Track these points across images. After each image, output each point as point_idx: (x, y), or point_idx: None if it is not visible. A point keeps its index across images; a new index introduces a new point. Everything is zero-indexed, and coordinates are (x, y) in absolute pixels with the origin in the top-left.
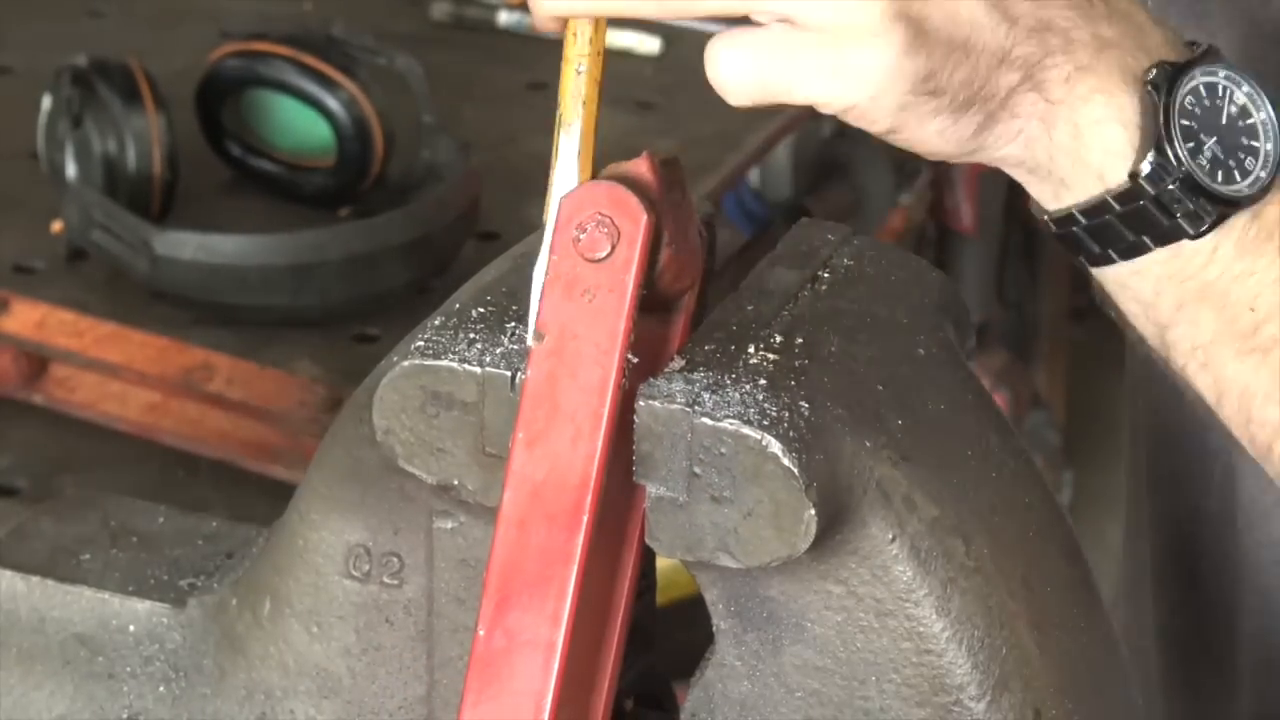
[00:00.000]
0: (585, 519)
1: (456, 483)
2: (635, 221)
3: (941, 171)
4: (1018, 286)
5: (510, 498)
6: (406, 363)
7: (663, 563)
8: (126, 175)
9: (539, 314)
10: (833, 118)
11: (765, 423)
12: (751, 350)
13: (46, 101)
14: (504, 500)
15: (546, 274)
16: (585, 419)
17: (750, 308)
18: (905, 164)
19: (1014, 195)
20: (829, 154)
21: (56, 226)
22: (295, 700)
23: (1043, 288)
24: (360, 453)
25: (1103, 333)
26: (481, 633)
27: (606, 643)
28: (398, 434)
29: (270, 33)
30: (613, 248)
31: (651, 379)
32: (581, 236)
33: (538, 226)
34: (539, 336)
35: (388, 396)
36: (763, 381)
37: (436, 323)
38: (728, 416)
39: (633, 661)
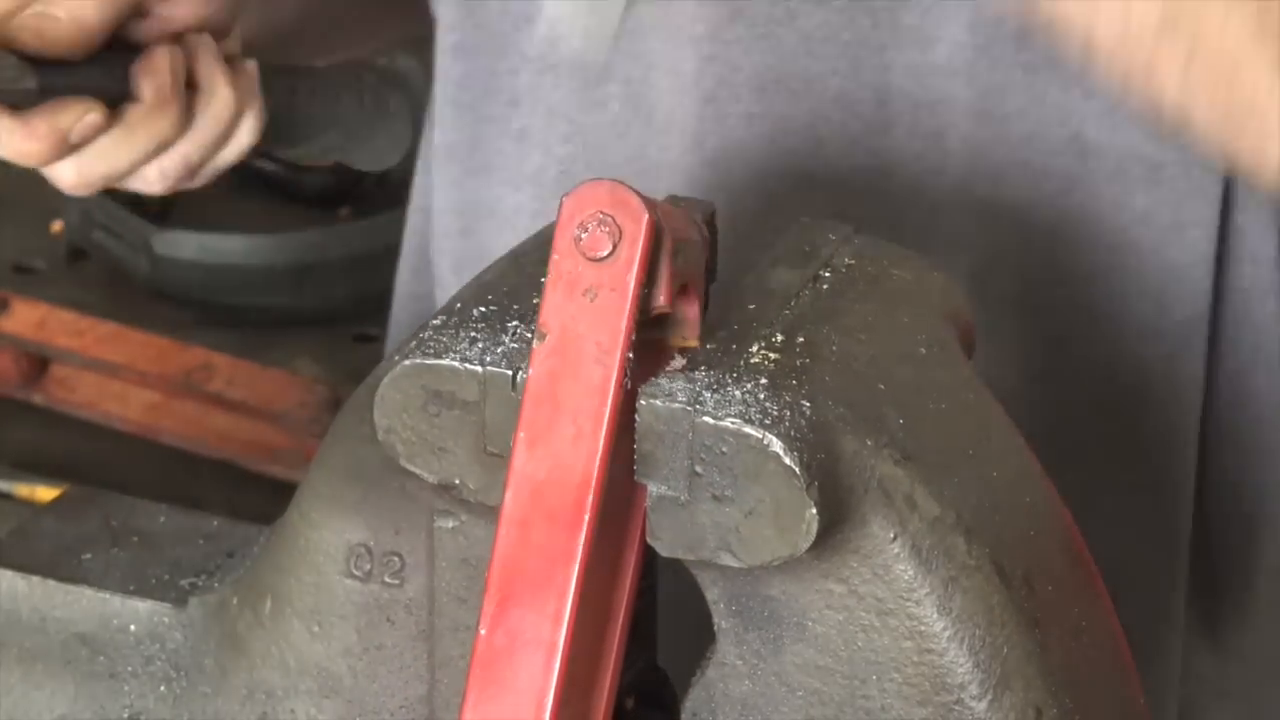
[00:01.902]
0: (587, 518)
1: (458, 482)
2: (637, 220)
3: None
4: None
5: (512, 497)
6: (408, 362)
7: None
8: None
9: (540, 313)
10: None
11: (767, 422)
12: (753, 349)
13: None
14: (505, 499)
15: (547, 273)
16: (587, 418)
17: (751, 307)
18: None
19: None
20: None
21: (56, 226)
22: (296, 700)
23: None
24: (361, 452)
25: None
26: (483, 632)
27: (608, 642)
28: (399, 433)
29: None
30: (614, 247)
31: (653, 378)
32: (583, 236)
33: None
34: (540, 336)
35: (389, 395)
36: (764, 380)
37: (437, 322)
38: (729, 415)
39: (633, 660)
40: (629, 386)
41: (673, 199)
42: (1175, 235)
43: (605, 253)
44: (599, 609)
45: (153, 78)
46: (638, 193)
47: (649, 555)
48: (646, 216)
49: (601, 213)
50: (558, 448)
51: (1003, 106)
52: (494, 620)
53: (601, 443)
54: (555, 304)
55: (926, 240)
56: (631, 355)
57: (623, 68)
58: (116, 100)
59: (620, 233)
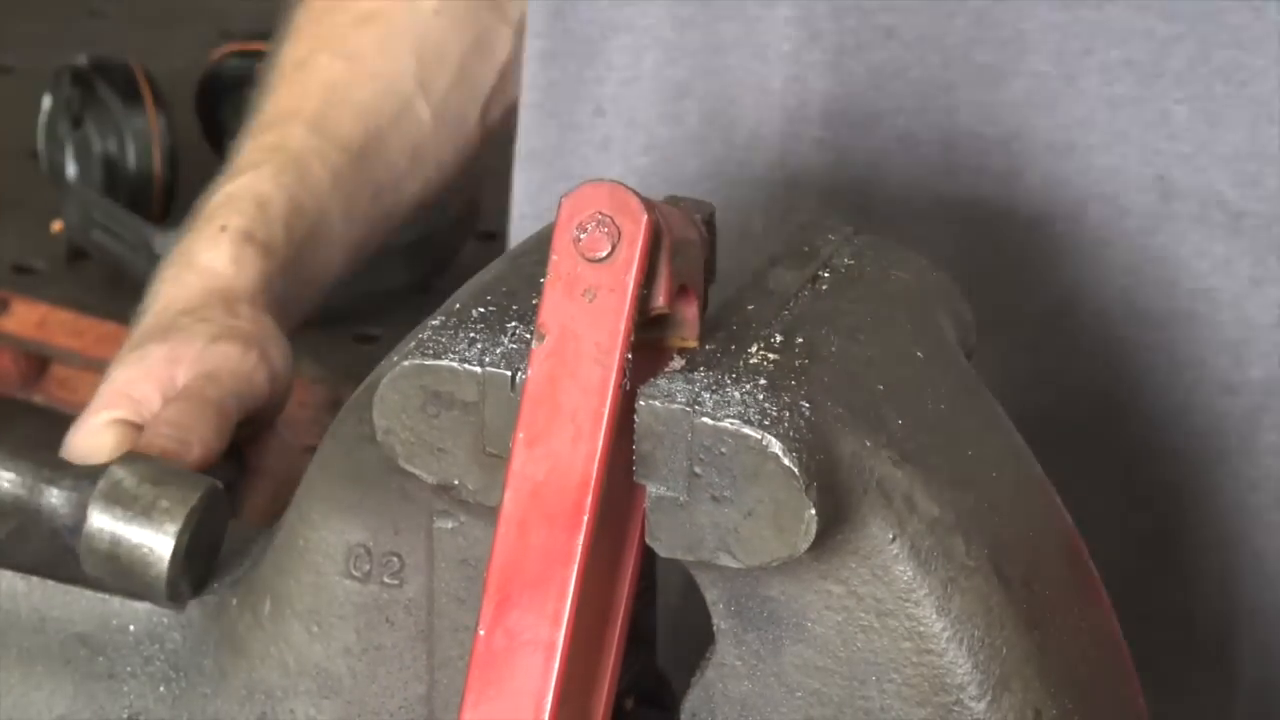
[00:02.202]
0: (586, 519)
1: (457, 483)
2: (636, 221)
3: None
4: None
5: (510, 497)
6: (407, 362)
7: None
8: (126, 175)
9: (539, 313)
10: None
11: (766, 422)
12: (752, 350)
13: (46, 101)
14: (504, 500)
15: (547, 273)
16: (586, 419)
17: (750, 307)
18: None
19: None
20: None
21: (56, 226)
22: (296, 700)
23: None
24: (360, 453)
25: None
26: (482, 633)
27: (607, 642)
28: (398, 434)
29: (270, 33)
30: (613, 247)
31: (652, 379)
32: (582, 236)
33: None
34: (539, 336)
35: (388, 396)
36: (763, 381)
37: (436, 322)
38: (728, 416)
39: (632, 661)
40: (628, 387)
41: (672, 199)
42: (1254, 290)
43: (604, 253)
44: (598, 609)
45: (269, 470)
46: (636, 193)
47: (648, 556)
48: (645, 217)
49: (600, 213)
50: (557, 448)
51: (1085, 139)
52: (493, 621)
53: (600, 443)
54: (554, 304)
55: (999, 275)
56: (630, 356)
57: (701, 83)
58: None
59: (619, 233)
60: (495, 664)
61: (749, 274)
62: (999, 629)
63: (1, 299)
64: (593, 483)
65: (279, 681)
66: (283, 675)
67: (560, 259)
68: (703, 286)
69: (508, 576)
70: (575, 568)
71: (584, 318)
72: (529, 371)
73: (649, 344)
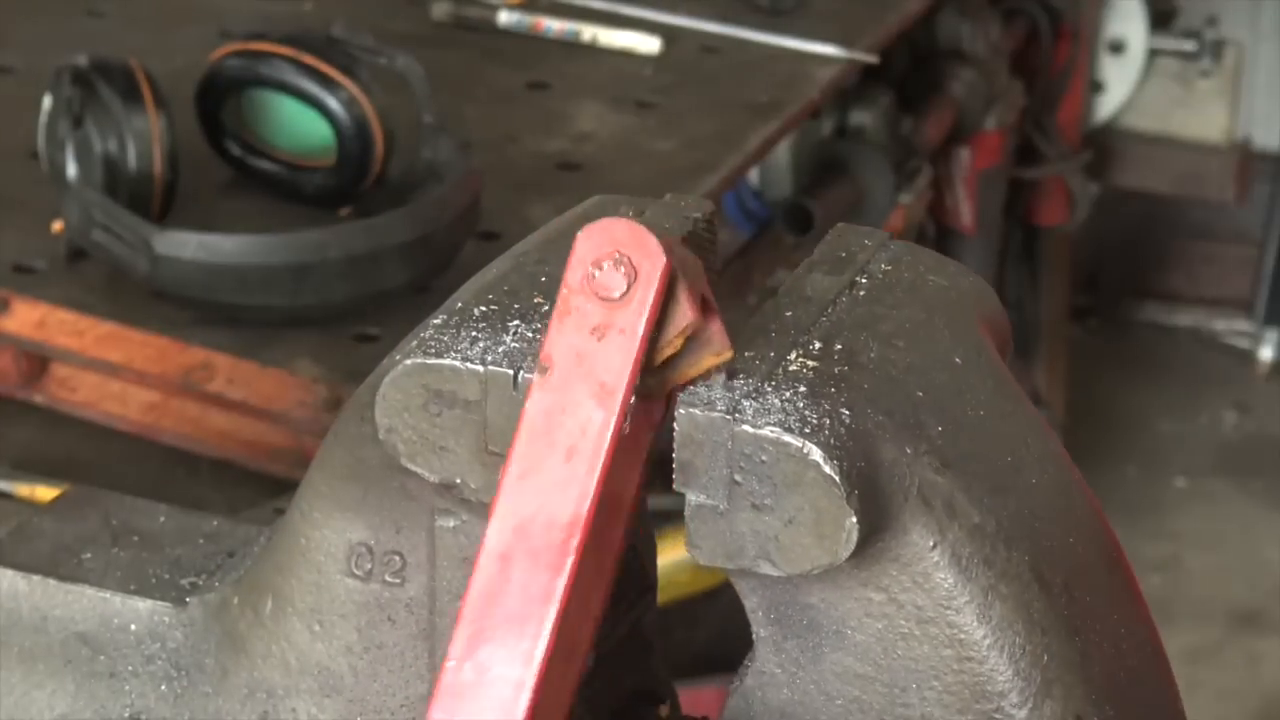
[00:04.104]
0: (571, 560)
1: (458, 481)
2: (654, 262)
3: (941, 171)
4: (1018, 286)
5: (495, 530)
6: (409, 361)
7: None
8: (126, 175)
9: (543, 346)
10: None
11: (806, 430)
12: (791, 357)
13: (47, 101)
14: (488, 533)
15: (555, 305)
16: (582, 461)
17: (789, 314)
18: (905, 163)
19: (1014, 195)
20: (829, 153)
21: (56, 226)
22: (297, 699)
23: (1043, 288)
24: (362, 451)
25: (1102, 333)
26: (451, 664)
27: (569, 678)
28: (400, 432)
29: (270, 33)
30: (628, 287)
31: (692, 387)
32: (597, 274)
33: (538, 226)
34: (541, 369)
35: (390, 395)
36: (803, 388)
37: (438, 321)
38: (768, 424)
39: (635, 662)
40: (627, 430)
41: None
42: None
43: (618, 293)
44: (568, 645)
45: None
46: (654, 233)
47: (647, 556)
48: (664, 259)
49: (618, 253)
50: (548, 486)
51: None
52: (464, 653)
53: (594, 486)
54: (561, 339)
55: None
56: (634, 400)
57: None
58: None
59: (635, 273)
60: (462, 697)
61: (787, 281)
62: (1040, 635)
63: (1, 299)
64: (582, 525)
65: (280, 680)
66: (284, 674)
67: (571, 294)
68: (714, 297)
69: (484, 610)
70: (555, 608)
71: (591, 357)
72: (527, 404)
73: (653, 389)
